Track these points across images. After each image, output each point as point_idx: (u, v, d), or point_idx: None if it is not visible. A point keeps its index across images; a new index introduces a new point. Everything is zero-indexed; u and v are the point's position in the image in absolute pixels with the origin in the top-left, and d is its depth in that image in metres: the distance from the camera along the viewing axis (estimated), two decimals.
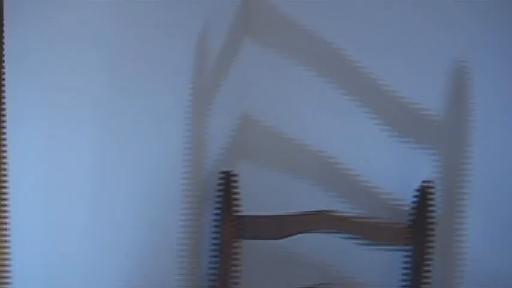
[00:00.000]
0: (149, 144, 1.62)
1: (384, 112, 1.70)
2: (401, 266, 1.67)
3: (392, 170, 1.72)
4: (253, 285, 1.71)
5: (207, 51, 1.65)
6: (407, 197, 1.69)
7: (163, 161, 1.65)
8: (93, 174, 1.56)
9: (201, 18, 1.62)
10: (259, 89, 1.71)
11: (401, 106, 1.69)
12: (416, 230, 1.63)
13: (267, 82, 1.71)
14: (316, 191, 1.73)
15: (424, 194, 1.63)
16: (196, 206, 1.70)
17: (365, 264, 1.74)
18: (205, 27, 1.63)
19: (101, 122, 1.55)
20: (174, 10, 1.59)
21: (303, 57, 1.70)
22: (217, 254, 1.65)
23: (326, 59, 1.70)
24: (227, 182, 1.65)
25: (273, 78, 1.71)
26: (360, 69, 1.69)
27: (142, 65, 1.57)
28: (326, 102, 1.71)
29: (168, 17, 1.58)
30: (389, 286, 1.71)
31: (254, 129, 1.72)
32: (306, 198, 1.72)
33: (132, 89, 1.57)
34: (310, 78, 1.70)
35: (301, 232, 1.65)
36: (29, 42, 1.44)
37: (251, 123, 1.72)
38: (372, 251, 1.70)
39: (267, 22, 1.69)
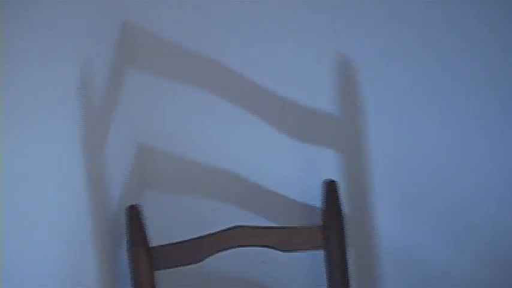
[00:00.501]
0: (49, 191, 1.58)
1: (279, 118, 1.71)
2: (323, 269, 1.68)
3: (298, 174, 1.72)
4: None
5: (92, 90, 1.62)
6: (317, 199, 1.70)
7: (66, 206, 1.61)
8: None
9: (80, 57, 1.59)
10: (152, 117, 1.70)
11: (295, 109, 1.70)
12: (329, 230, 1.63)
13: (157, 108, 1.70)
14: (226, 208, 1.72)
15: (329, 194, 1.64)
16: (109, 245, 1.67)
17: (288, 271, 1.74)
18: (86, 65, 1.60)
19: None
20: (51, 51, 1.55)
21: (189, 78, 1.69)
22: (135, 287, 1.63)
23: (213, 76, 1.69)
24: (133, 216, 1.63)
25: (163, 104, 1.70)
26: (248, 80, 1.69)
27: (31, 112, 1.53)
28: (220, 118, 1.70)
29: (47, 58, 1.55)
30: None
31: (152, 157, 1.70)
32: (217, 218, 1.71)
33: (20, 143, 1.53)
34: (201, 97, 1.69)
35: (216, 252, 1.64)
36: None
37: (148, 151, 1.70)
38: (292, 257, 1.69)
39: (148, 50, 1.67)
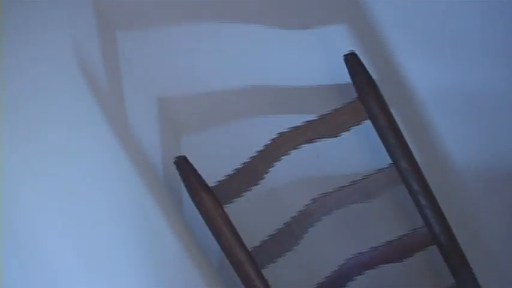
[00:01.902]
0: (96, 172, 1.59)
1: (276, 15, 1.67)
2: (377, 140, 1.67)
3: (316, 61, 1.70)
4: (261, 234, 1.70)
5: (91, 63, 1.61)
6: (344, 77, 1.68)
7: (117, 180, 1.62)
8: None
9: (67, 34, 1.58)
10: (161, 65, 1.68)
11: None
12: (367, 99, 1.61)
13: (164, 55, 1.68)
14: (264, 124, 1.71)
15: (354, 65, 1.61)
16: (170, 198, 1.68)
17: (344, 157, 1.74)
18: (77, 42, 1.60)
19: None
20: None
21: (180, 16, 1.67)
22: (216, 232, 1.64)
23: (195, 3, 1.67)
24: (184, 165, 1.63)
25: (167, 49, 1.67)
26: None
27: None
28: (226, 39, 1.67)
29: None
30: (374, 162, 1.72)
31: (177, 104, 1.70)
32: (260, 136, 1.69)
33: None
34: (196, 28, 1.67)
35: (271, 165, 1.63)
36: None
37: (170, 101, 1.70)
38: (342, 140, 1.68)
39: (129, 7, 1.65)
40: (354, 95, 1.63)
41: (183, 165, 1.64)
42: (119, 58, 1.68)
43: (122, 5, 1.66)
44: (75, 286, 1.43)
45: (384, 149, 1.63)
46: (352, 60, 1.62)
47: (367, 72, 1.61)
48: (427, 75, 1.70)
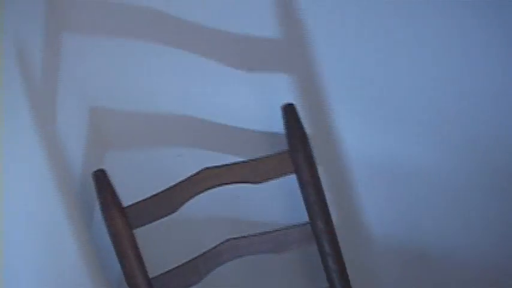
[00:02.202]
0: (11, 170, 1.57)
1: (225, 53, 1.68)
2: (298, 194, 1.67)
3: (254, 104, 1.70)
4: (167, 265, 1.68)
5: (30, 60, 1.58)
6: (277, 126, 1.68)
7: (29, 183, 1.59)
8: None
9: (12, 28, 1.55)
10: (101, 76, 1.67)
11: (239, 40, 1.67)
12: (296, 153, 1.62)
13: (103, 68, 1.67)
14: (189, 154, 1.70)
15: (290, 117, 1.62)
16: (82, 212, 1.66)
17: (265, 205, 1.73)
18: (20, 36, 1.56)
19: None
20: None
21: (127, 31, 1.65)
22: (120, 251, 1.61)
23: (151, 24, 1.65)
24: (101, 179, 1.61)
25: (107, 62, 1.66)
26: (187, 21, 1.66)
27: None
28: (166, 65, 1.67)
29: None
30: (297, 219, 1.71)
31: (107, 118, 1.68)
32: (183, 165, 1.68)
33: None
34: (143, 48, 1.66)
35: (189, 198, 1.62)
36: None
37: (101, 112, 1.67)
38: (264, 189, 1.68)
39: (83, 10, 1.63)
40: (285, 146, 1.63)
41: (101, 179, 1.61)
42: (60, 59, 1.65)
43: (74, 5, 1.63)
44: None
45: (303, 205, 1.63)
46: (289, 111, 1.62)
47: (301, 126, 1.61)
48: (359, 140, 1.72)
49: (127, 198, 1.63)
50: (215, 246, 1.65)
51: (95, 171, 1.62)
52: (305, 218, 1.64)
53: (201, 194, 1.63)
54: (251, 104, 1.70)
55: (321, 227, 1.61)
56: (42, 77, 1.60)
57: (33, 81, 1.58)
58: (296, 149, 1.61)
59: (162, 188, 1.63)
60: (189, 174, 1.63)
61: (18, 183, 1.53)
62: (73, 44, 1.64)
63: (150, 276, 1.63)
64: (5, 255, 1.48)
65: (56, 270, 1.58)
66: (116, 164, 1.68)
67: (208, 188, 1.63)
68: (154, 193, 1.62)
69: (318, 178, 1.62)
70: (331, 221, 1.62)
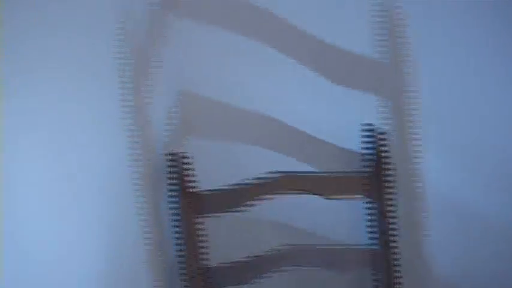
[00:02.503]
0: (94, 138, 1.61)
1: (321, 63, 1.68)
2: (365, 218, 1.67)
3: (340, 119, 1.70)
4: (222, 257, 1.69)
5: (132, 38, 1.62)
6: (357, 145, 1.68)
7: (110, 152, 1.63)
8: (49, 175, 1.59)
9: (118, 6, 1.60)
10: (194, 63, 1.68)
11: (338, 54, 1.67)
12: (374, 175, 1.62)
13: (200, 55, 1.68)
14: (267, 154, 1.71)
15: (375, 140, 1.62)
16: (152, 190, 1.68)
17: (330, 220, 1.73)
18: (125, 10, 1.60)
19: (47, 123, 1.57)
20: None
21: (231, 23, 1.66)
22: (181, 234, 1.63)
23: (255, 21, 1.66)
24: (174, 161, 1.62)
25: (205, 50, 1.67)
26: (291, 24, 1.66)
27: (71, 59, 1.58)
28: (261, 63, 1.68)
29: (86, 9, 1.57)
30: (357, 238, 1.72)
31: (195, 104, 1.69)
32: (258, 164, 1.70)
33: (67, 86, 1.58)
34: (242, 43, 1.67)
35: (259, 199, 1.63)
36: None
37: (191, 98, 1.69)
38: (334, 206, 1.69)
39: None
40: (360, 165, 1.63)
41: (176, 160, 1.62)
42: (163, 40, 1.67)
43: None
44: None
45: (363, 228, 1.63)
46: (374, 133, 1.62)
47: (383, 150, 1.61)
48: (438, 175, 1.72)
49: (199, 184, 1.65)
50: (275, 250, 1.66)
51: (169, 152, 1.64)
52: (364, 239, 1.65)
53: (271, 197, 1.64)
54: (334, 117, 1.70)
55: (384, 254, 1.61)
56: (142, 55, 1.63)
57: (134, 57, 1.62)
58: (375, 172, 1.61)
59: (232, 182, 1.64)
60: (261, 172, 1.65)
61: (100, 149, 1.61)
62: (178, 27, 1.66)
63: (206, 265, 1.65)
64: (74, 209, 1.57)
65: (117, 236, 1.64)
66: (193, 149, 1.69)
67: (280, 193, 1.63)
68: (224, 185, 1.64)
69: (392, 206, 1.62)
70: (396, 251, 1.62)
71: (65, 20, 1.56)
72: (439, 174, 1.72)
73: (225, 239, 1.72)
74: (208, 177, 1.67)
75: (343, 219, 1.73)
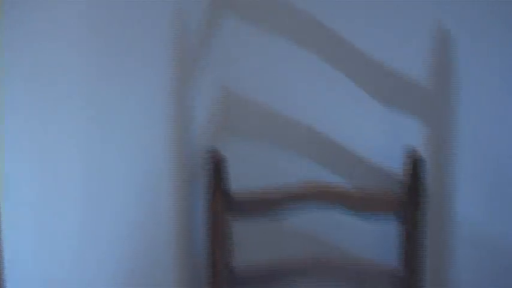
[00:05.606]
0: (134, 131, 1.64)
1: (368, 80, 1.69)
2: (394, 236, 1.67)
3: (379, 138, 1.71)
4: (247, 260, 1.71)
5: (185, 29, 1.64)
6: (394, 165, 1.69)
7: (149, 145, 1.65)
8: (82, 168, 1.60)
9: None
10: (240, 63, 1.70)
11: (386, 74, 1.69)
12: (408, 198, 1.62)
13: (247, 56, 1.70)
14: (303, 162, 1.72)
15: (414, 163, 1.62)
16: (186, 187, 1.70)
17: (357, 236, 1.74)
18: (181, 4, 1.63)
19: (85, 113, 1.59)
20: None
21: (284, 29, 1.68)
22: (210, 232, 1.64)
23: (308, 30, 1.68)
24: (212, 160, 1.64)
25: (254, 52, 1.69)
26: (342, 38, 1.68)
27: (122, 50, 1.61)
28: (309, 72, 1.70)
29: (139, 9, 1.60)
30: (383, 257, 1.72)
31: (237, 104, 1.71)
32: (293, 171, 1.71)
33: (113, 77, 1.61)
34: (292, 49, 1.68)
35: (290, 206, 1.65)
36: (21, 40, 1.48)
37: (234, 98, 1.70)
38: (363, 222, 1.70)
39: None
40: (396, 185, 1.64)
41: (214, 159, 1.63)
42: (214, 39, 1.69)
43: None
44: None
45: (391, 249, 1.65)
46: (416, 161, 1.62)
47: (422, 178, 1.61)
48: (471, 206, 1.72)
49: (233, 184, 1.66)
50: (300, 260, 1.67)
51: (209, 150, 1.66)
52: (391, 259, 1.66)
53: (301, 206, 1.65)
54: (375, 136, 1.71)
55: (409, 277, 1.61)
56: (191, 51, 1.66)
57: (182, 55, 1.65)
58: (408, 195, 1.62)
59: (264, 185, 1.66)
60: (294, 180, 1.66)
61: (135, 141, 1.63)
62: (229, 25, 1.68)
63: (232, 266, 1.66)
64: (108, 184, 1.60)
65: (148, 234, 1.67)
66: (232, 148, 1.70)
67: (314, 202, 1.64)
68: (258, 189, 1.65)
69: (422, 231, 1.62)
70: (421, 275, 1.63)
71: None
72: (471, 205, 1.72)
73: (251, 242, 1.74)
74: (241, 178, 1.69)
75: (372, 238, 1.74)
